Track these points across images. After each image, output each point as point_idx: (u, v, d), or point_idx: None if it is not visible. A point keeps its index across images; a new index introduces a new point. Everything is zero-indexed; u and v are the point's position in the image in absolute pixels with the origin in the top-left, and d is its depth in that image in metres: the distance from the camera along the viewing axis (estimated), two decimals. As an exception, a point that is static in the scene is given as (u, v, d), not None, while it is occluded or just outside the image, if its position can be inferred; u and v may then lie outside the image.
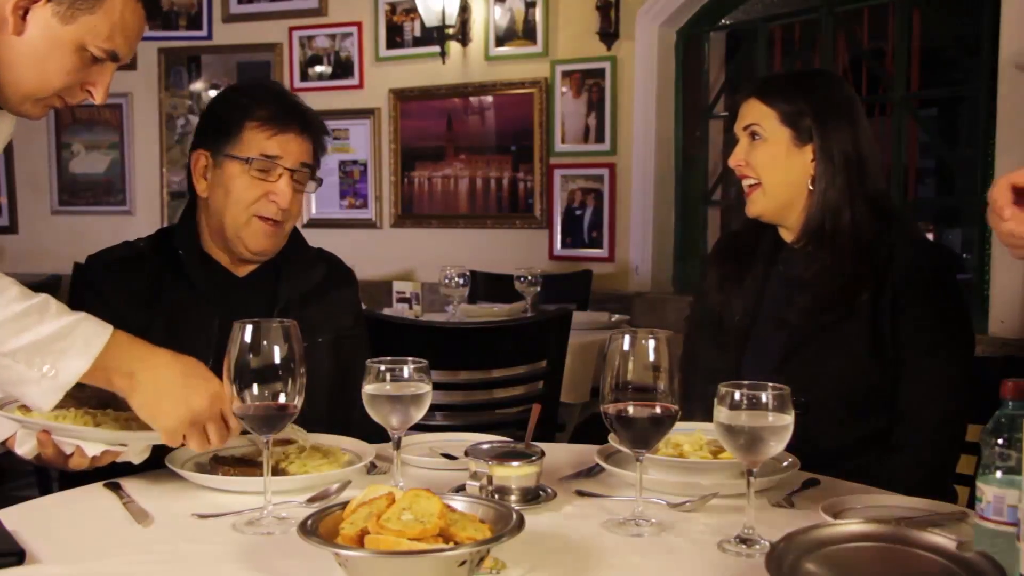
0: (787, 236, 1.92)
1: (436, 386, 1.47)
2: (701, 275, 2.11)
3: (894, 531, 1.13)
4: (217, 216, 1.84)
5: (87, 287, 1.85)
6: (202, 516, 1.35)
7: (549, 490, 1.43)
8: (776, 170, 1.85)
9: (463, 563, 1.07)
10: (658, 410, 1.28)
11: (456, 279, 3.84)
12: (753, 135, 1.86)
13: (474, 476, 1.41)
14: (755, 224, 1.94)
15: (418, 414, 1.41)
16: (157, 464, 1.55)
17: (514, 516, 1.13)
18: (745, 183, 1.88)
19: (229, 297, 1.84)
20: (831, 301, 1.78)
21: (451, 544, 1.08)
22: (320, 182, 1.90)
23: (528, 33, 5.17)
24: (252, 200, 1.80)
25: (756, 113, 1.86)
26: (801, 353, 1.80)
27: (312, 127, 1.86)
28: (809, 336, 1.81)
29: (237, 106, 1.83)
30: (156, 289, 1.82)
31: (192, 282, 1.83)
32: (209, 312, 1.80)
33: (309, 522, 1.12)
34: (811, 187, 1.84)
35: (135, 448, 1.46)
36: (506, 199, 5.35)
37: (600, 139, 5.06)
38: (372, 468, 1.58)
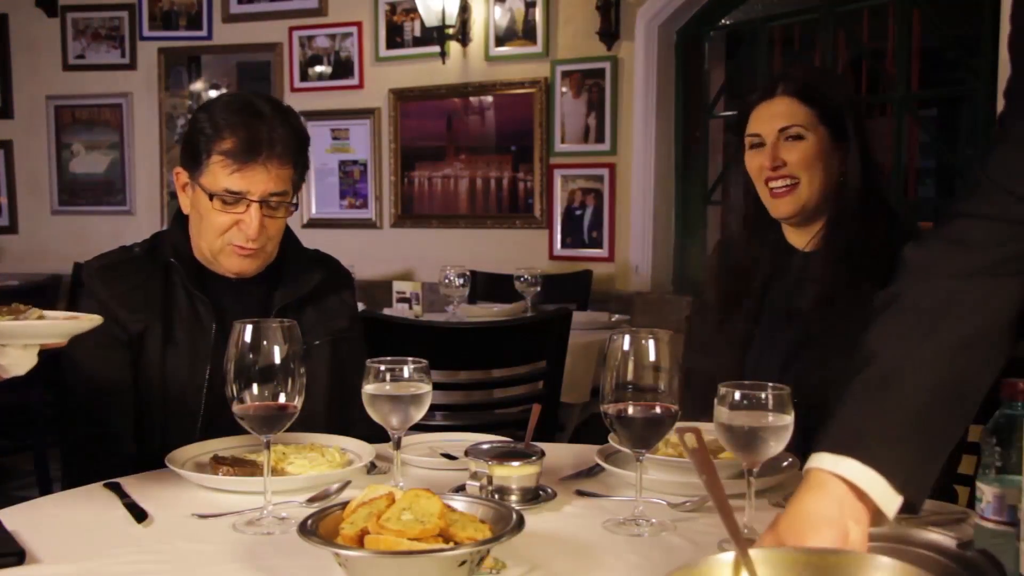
0: (797, 238, 1.91)
1: (436, 386, 1.47)
2: (703, 275, 2.11)
3: (894, 532, 1.13)
4: (196, 236, 1.84)
5: (83, 293, 1.85)
6: (202, 516, 1.35)
7: (549, 490, 1.43)
8: (817, 169, 1.83)
9: (463, 563, 1.07)
10: (658, 410, 1.28)
11: (456, 279, 3.84)
12: (791, 136, 1.84)
13: (474, 476, 1.41)
14: (757, 224, 1.94)
15: (418, 414, 1.41)
16: (157, 464, 1.55)
17: (514, 516, 1.13)
18: (774, 185, 1.85)
19: (225, 303, 1.84)
20: (840, 301, 1.78)
21: (451, 544, 1.08)
22: (296, 207, 1.83)
23: (528, 33, 5.17)
24: (222, 229, 1.78)
25: (795, 113, 1.84)
26: (806, 354, 1.80)
27: (283, 154, 1.77)
28: (815, 336, 1.80)
29: (205, 134, 1.77)
30: (153, 294, 1.82)
31: (188, 287, 1.83)
32: (206, 317, 1.81)
33: (309, 522, 1.12)
34: (841, 185, 1.83)
35: (8, 353, 1.30)
36: (506, 199, 5.35)
37: (600, 139, 5.06)
38: (372, 468, 1.58)
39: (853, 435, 1.07)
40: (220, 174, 1.75)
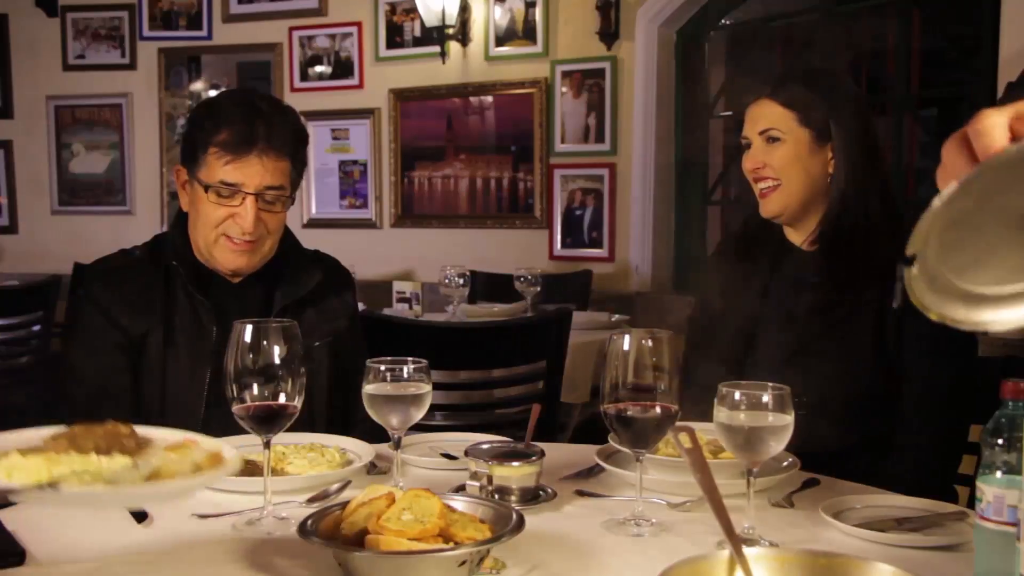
0: (796, 237, 1.92)
1: (436, 386, 1.47)
2: (705, 275, 2.11)
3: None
4: (194, 232, 1.84)
5: (84, 298, 1.84)
6: (202, 516, 1.35)
7: (549, 490, 1.43)
8: (797, 170, 1.84)
9: (463, 563, 1.07)
10: (658, 410, 1.28)
11: (456, 279, 3.84)
12: (770, 138, 1.86)
13: (474, 476, 1.41)
14: (758, 225, 1.94)
15: (418, 414, 1.41)
16: (157, 464, 1.55)
17: (514, 516, 1.13)
18: (761, 185, 1.87)
19: (226, 305, 1.84)
20: (840, 300, 1.78)
21: (451, 544, 1.08)
22: (293, 201, 1.85)
23: (528, 33, 5.17)
24: (217, 221, 1.79)
25: (773, 116, 1.85)
26: (805, 353, 1.80)
27: (280, 148, 1.78)
28: (815, 336, 1.81)
29: (202, 128, 1.79)
30: (153, 297, 1.81)
31: (188, 291, 1.83)
32: (207, 320, 1.81)
33: (309, 522, 1.12)
34: (829, 186, 1.83)
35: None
36: (506, 199, 5.35)
37: (600, 139, 5.06)
38: (372, 468, 1.58)
39: None
40: (215, 165, 1.76)
